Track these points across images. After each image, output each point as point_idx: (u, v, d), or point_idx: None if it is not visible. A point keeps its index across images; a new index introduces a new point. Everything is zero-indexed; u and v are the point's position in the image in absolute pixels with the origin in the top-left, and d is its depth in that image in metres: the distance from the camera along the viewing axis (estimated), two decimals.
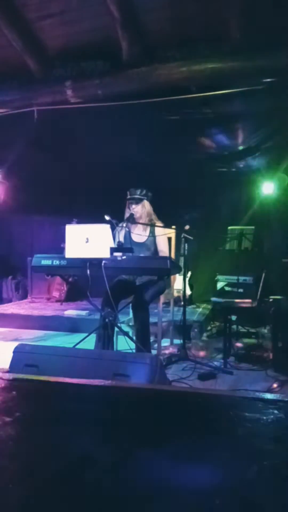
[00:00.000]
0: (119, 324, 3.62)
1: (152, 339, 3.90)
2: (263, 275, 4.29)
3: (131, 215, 3.86)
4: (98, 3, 4.20)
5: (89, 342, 3.50)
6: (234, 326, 4.67)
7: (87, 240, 3.17)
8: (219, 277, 5.90)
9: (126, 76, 4.64)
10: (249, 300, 4.21)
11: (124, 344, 3.65)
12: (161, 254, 3.93)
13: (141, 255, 3.70)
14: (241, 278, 5.39)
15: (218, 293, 5.63)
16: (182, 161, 6.09)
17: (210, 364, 3.81)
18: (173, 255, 4.33)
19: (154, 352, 3.94)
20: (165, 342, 4.49)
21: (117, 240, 3.58)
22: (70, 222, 3.42)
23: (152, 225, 3.93)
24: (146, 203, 3.93)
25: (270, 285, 4.49)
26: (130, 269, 3.40)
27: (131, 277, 3.91)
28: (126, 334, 3.57)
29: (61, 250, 3.32)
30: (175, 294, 5.10)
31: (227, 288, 5.65)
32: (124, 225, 3.90)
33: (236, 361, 3.96)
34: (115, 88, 4.71)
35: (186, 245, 3.91)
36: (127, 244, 3.80)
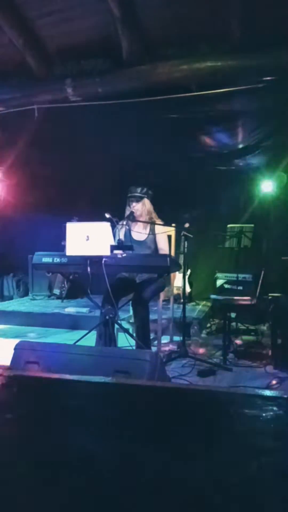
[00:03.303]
0: (119, 321, 3.64)
1: (152, 336, 3.91)
2: (262, 272, 4.31)
3: (131, 213, 3.87)
4: (98, 1, 4.20)
5: (90, 339, 3.52)
6: (234, 323, 4.69)
7: (88, 238, 3.19)
8: (218, 274, 5.91)
9: (126, 74, 4.64)
10: (249, 298, 4.22)
11: (124, 341, 3.66)
12: (161, 252, 3.93)
13: (141, 253, 3.71)
14: (241, 276, 5.40)
15: (217, 291, 5.64)
16: (182, 160, 6.09)
17: (210, 361, 3.83)
18: (173, 253, 4.34)
19: (154, 349, 3.95)
20: (165, 339, 4.51)
21: (117, 238, 3.59)
22: (70, 220, 3.43)
23: (152, 223, 3.94)
24: (146, 201, 3.94)
25: (269, 282, 4.51)
26: (130, 266, 3.42)
27: (131, 275, 3.92)
28: (126, 331, 3.59)
29: (62, 248, 3.33)
30: (175, 291, 5.11)
31: (226, 286, 5.66)
32: (124, 223, 3.91)
33: (236, 358, 3.97)
34: (115, 86, 4.72)
35: (186, 243, 3.92)
36: (127, 242, 3.82)
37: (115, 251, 3.23)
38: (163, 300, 4.28)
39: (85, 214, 3.62)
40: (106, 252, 3.17)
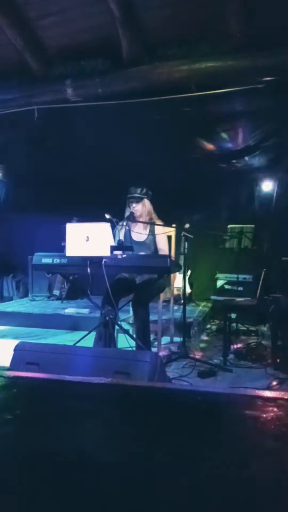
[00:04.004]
0: (119, 322, 3.63)
1: (152, 337, 3.91)
2: (263, 273, 4.30)
3: (131, 213, 3.86)
4: (98, 1, 4.20)
5: (90, 340, 3.51)
6: (234, 324, 4.68)
7: (88, 239, 3.18)
8: (219, 275, 5.91)
9: (126, 75, 4.64)
10: (249, 298, 4.21)
11: (124, 342, 3.65)
12: (161, 252, 3.93)
13: (141, 253, 3.71)
14: (241, 277, 5.40)
15: (218, 291, 5.64)
16: (182, 160, 6.08)
17: (210, 362, 3.82)
18: (173, 254, 4.33)
19: (154, 350, 3.95)
20: (165, 340, 4.50)
21: (117, 238, 3.59)
22: (70, 221, 3.42)
23: (152, 224, 3.94)
24: (146, 201, 3.94)
25: (270, 283, 4.50)
26: (130, 267, 3.41)
27: (131, 276, 3.92)
28: (126, 332, 3.58)
29: (62, 249, 3.32)
30: (175, 292, 5.11)
31: (227, 287, 5.66)
32: (124, 223, 3.91)
33: (236, 359, 3.97)
34: (115, 86, 4.71)
35: (186, 243, 3.92)
36: (127, 242, 3.81)
37: (115, 252, 3.23)
38: (163, 301, 4.27)
39: (85, 215, 3.61)
40: (106, 252, 3.16)
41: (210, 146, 5.92)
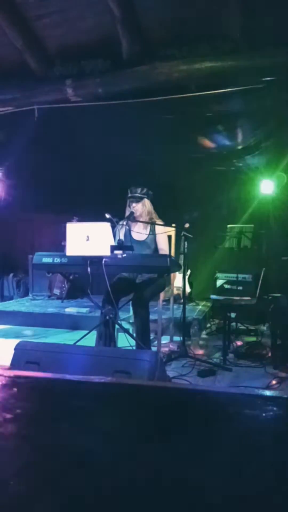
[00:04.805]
0: (119, 322, 3.64)
1: (152, 336, 3.92)
2: (262, 273, 4.31)
3: (132, 213, 3.87)
4: (98, 1, 4.20)
5: (90, 339, 3.52)
6: (234, 324, 4.69)
7: (88, 238, 3.19)
8: (218, 275, 5.91)
9: (126, 75, 4.64)
10: (248, 298, 4.22)
11: (124, 341, 3.66)
12: (161, 252, 3.94)
13: (141, 253, 3.72)
14: (241, 276, 5.40)
15: (217, 291, 5.65)
16: (182, 160, 6.09)
17: (210, 361, 3.83)
18: (173, 253, 4.34)
19: (154, 349, 3.96)
20: (165, 339, 4.51)
21: (117, 238, 3.59)
22: (71, 220, 3.44)
23: (152, 223, 3.95)
24: (146, 201, 3.94)
25: (269, 283, 4.51)
26: (130, 267, 3.42)
27: (132, 275, 3.93)
28: (126, 331, 3.59)
29: (62, 248, 3.33)
30: (175, 291, 5.11)
31: (226, 286, 5.67)
32: (125, 223, 3.92)
33: (236, 358, 3.98)
34: (115, 86, 4.72)
35: (186, 243, 3.93)
36: (127, 242, 3.82)
37: (115, 251, 3.24)
38: (163, 300, 4.28)
39: (85, 214, 3.62)
40: (106, 252, 3.17)
41: (210, 146, 5.92)
